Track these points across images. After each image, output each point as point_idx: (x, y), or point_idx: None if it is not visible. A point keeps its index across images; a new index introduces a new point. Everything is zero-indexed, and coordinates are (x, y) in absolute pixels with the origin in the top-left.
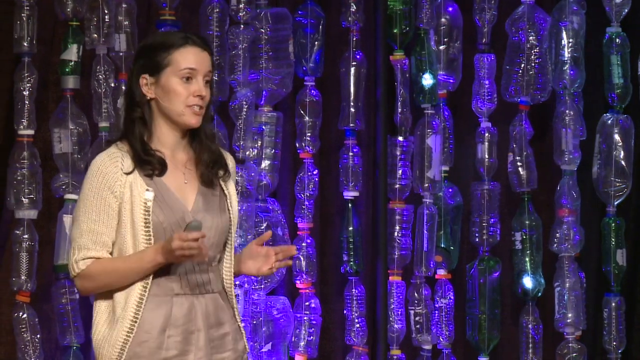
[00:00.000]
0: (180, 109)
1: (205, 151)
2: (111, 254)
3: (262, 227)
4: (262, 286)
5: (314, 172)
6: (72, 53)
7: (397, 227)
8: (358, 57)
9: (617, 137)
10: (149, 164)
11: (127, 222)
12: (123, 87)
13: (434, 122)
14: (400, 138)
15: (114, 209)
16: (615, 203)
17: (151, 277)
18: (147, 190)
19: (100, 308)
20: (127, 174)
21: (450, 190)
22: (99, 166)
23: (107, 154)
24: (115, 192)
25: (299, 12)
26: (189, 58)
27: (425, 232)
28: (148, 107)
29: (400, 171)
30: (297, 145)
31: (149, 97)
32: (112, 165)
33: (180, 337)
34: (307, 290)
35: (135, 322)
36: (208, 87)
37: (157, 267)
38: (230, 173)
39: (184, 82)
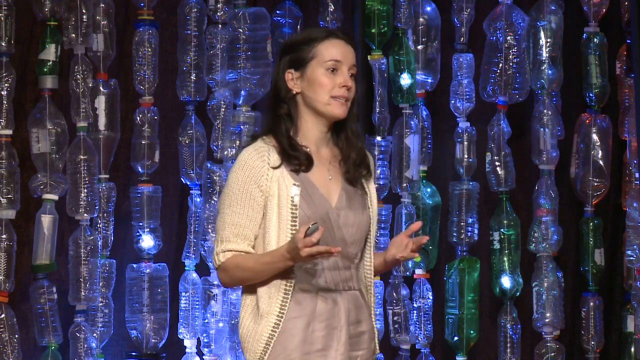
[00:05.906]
0: (325, 100)
1: (353, 150)
2: (253, 247)
3: None
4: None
5: None
6: (50, 53)
7: (376, 227)
8: None
9: (595, 136)
10: (296, 158)
11: (274, 216)
12: (101, 88)
13: (412, 122)
14: (379, 138)
15: (259, 203)
16: (593, 203)
17: (295, 274)
18: (295, 185)
19: (246, 302)
20: (274, 168)
21: (428, 189)
22: (246, 160)
23: (254, 147)
24: (261, 186)
25: (277, 11)
26: (333, 50)
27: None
28: (294, 102)
29: (378, 171)
30: None
31: (295, 92)
32: (259, 159)
33: (324, 332)
34: None
35: (281, 317)
36: (353, 81)
37: (288, 267)
38: (371, 172)
39: (329, 74)
